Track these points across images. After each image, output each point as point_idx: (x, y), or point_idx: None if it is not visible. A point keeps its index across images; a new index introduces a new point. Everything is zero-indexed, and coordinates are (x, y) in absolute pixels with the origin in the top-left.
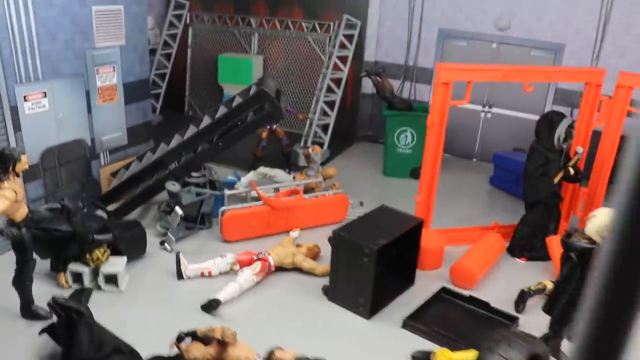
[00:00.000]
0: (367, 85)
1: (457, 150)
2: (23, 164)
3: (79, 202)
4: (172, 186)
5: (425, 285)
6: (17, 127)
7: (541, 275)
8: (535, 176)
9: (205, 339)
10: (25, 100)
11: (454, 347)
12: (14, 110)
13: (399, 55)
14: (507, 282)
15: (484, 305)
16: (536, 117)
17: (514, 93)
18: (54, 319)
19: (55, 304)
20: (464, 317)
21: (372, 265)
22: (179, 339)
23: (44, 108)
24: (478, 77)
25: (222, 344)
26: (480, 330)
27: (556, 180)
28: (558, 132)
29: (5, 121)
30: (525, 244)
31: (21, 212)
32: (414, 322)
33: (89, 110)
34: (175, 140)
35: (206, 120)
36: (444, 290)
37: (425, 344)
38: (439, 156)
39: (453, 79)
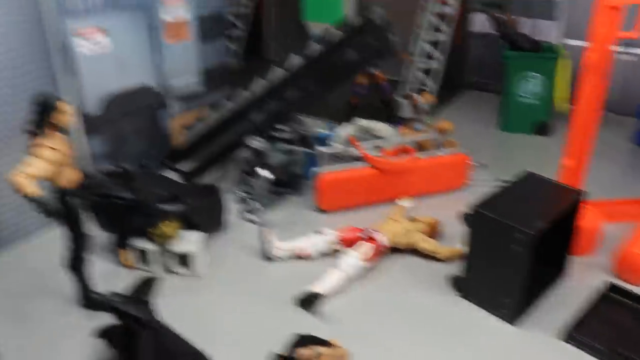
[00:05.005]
0: (478, 23)
1: None
2: (63, 114)
3: (143, 163)
4: (256, 143)
5: (580, 278)
6: (71, 71)
7: None
8: None
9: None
10: (78, 37)
11: None
12: (65, 49)
13: None
14: None
15: None
16: None
17: None
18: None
19: (110, 308)
20: None
21: (526, 256)
22: None
23: (102, 47)
24: None
25: None
26: None
27: None
28: None
29: (54, 64)
30: None
31: (68, 177)
32: (583, 334)
33: (156, 51)
34: (259, 87)
35: (296, 61)
36: (612, 288)
37: None
38: (598, 107)
39: (626, 1)
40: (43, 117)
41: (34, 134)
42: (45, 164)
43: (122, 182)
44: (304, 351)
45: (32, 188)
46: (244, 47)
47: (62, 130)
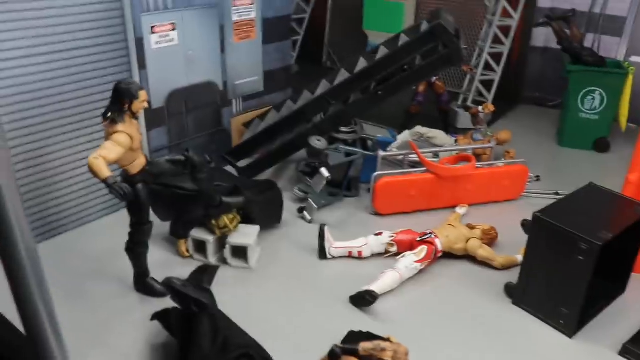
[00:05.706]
0: (539, 37)
1: None
2: (141, 101)
3: (207, 156)
4: (318, 142)
5: (639, 294)
6: (142, 64)
7: None
8: None
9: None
10: (152, 33)
11: None
12: (139, 43)
13: (582, 0)
14: None
15: None
16: None
17: None
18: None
19: (171, 290)
20: None
21: (590, 267)
22: (333, 355)
23: (173, 42)
24: None
25: None
26: None
27: None
28: None
29: (129, 55)
30: None
31: (138, 163)
32: (638, 348)
33: (222, 49)
34: (322, 88)
35: (362, 64)
36: None
37: None
38: None
39: None
40: (124, 104)
41: (113, 120)
42: (122, 149)
43: (186, 172)
44: (367, 344)
45: (109, 172)
46: (298, 52)
47: (136, 117)
